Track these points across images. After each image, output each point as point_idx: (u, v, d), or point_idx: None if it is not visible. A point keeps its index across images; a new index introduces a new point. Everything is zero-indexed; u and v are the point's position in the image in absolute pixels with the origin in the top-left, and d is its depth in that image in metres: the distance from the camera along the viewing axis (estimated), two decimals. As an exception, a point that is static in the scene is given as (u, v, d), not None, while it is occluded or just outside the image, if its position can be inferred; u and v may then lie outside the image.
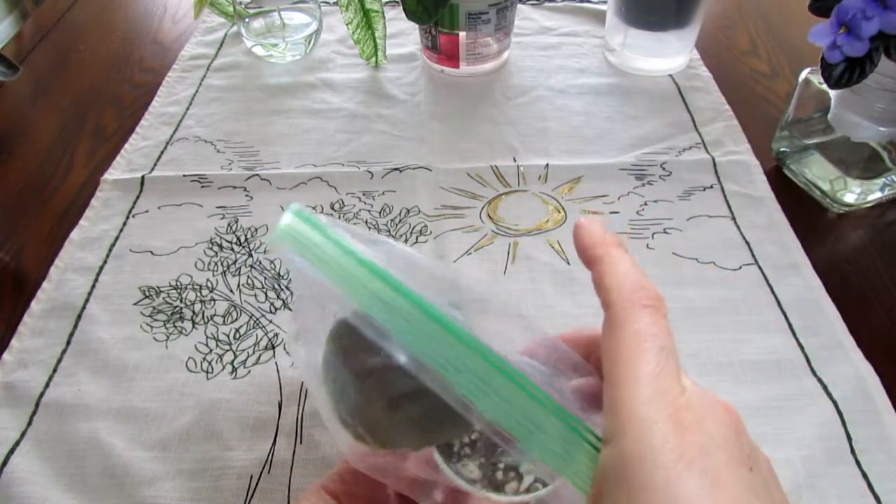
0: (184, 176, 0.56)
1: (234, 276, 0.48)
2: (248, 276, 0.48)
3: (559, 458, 0.23)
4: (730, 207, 0.52)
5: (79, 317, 0.45)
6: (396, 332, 0.23)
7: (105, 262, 0.49)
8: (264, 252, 0.50)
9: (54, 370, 0.42)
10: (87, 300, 0.46)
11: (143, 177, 0.55)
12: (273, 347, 0.43)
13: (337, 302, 0.25)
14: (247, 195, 0.54)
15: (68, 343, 0.44)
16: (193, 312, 0.46)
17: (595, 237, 0.25)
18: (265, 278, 0.48)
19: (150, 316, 0.45)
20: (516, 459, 0.24)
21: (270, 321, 0.45)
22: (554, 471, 0.23)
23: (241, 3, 0.70)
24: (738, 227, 0.51)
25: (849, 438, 0.38)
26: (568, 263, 0.48)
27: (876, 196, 0.52)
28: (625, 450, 0.21)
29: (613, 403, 0.21)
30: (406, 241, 0.50)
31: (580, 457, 0.23)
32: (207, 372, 0.42)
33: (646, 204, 0.53)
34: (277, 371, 0.42)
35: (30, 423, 0.40)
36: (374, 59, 0.67)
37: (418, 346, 0.23)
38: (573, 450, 0.23)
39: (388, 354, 0.23)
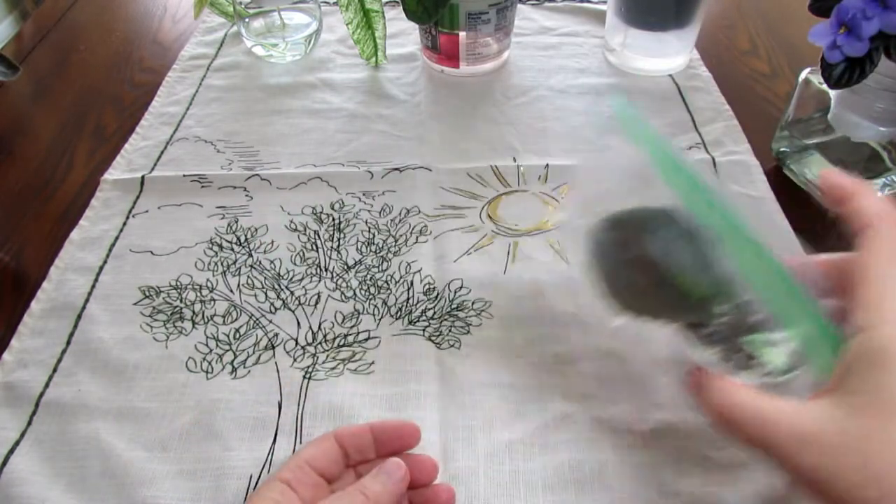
0: (184, 176, 0.56)
1: (234, 276, 0.48)
2: (248, 276, 0.48)
3: (810, 343, 0.28)
4: (730, 207, 0.52)
5: (79, 317, 0.45)
6: (701, 217, 0.30)
7: (105, 262, 0.49)
8: (264, 252, 0.50)
9: (54, 370, 0.42)
10: (87, 300, 0.46)
11: (143, 177, 0.55)
12: (273, 347, 0.43)
13: (634, 187, 0.32)
14: (247, 195, 0.54)
15: (68, 343, 0.44)
16: (193, 312, 0.46)
17: (845, 178, 0.30)
18: (265, 278, 0.48)
19: (150, 316, 0.45)
20: (755, 349, 0.29)
21: (270, 321, 0.45)
22: (801, 355, 0.28)
23: (241, 3, 0.70)
24: (738, 227, 0.50)
25: (849, 438, 0.38)
26: (568, 263, 0.48)
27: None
28: (884, 336, 0.25)
29: (870, 300, 0.26)
30: (406, 241, 0.50)
31: (825, 346, 0.27)
32: (207, 372, 0.42)
33: (646, 204, 0.52)
34: (277, 371, 0.42)
35: (30, 423, 0.40)
36: (374, 59, 0.67)
37: (714, 228, 0.29)
38: (820, 340, 0.28)
39: (662, 243, 0.30)
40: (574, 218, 0.34)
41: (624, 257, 0.31)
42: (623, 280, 0.32)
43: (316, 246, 0.50)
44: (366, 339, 0.44)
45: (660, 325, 0.32)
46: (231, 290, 0.47)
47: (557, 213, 0.42)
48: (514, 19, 0.66)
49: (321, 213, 0.52)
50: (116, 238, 0.51)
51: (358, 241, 0.50)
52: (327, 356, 0.43)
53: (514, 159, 0.57)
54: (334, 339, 0.44)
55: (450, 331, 0.44)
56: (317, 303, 0.46)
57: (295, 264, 0.49)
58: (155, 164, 0.57)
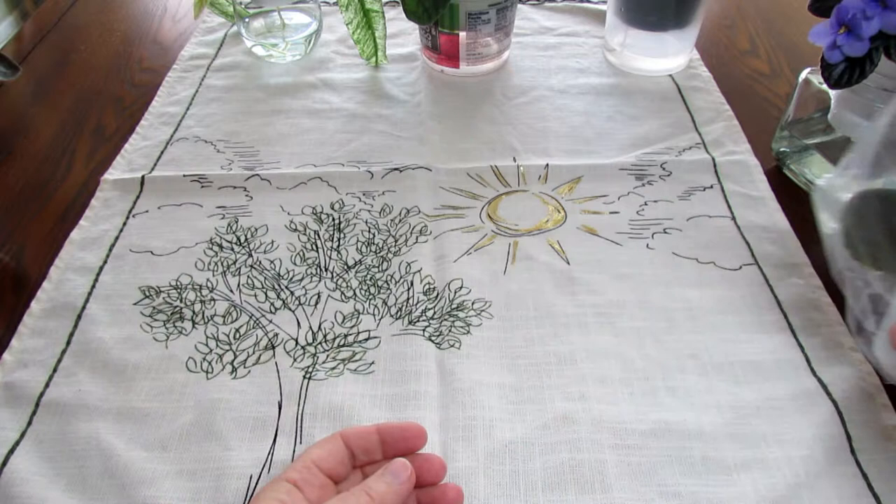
0: (184, 176, 0.56)
1: (234, 276, 0.48)
2: (248, 276, 0.48)
3: None
4: (730, 207, 0.52)
5: (79, 317, 0.45)
6: None
7: (105, 262, 0.49)
8: (264, 252, 0.50)
9: (54, 370, 0.42)
10: (87, 300, 0.46)
11: (143, 177, 0.55)
12: (273, 347, 0.43)
13: None
14: (247, 195, 0.54)
15: (68, 343, 0.44)
16: (193, 312, 0.46)
17: None
18: (265, 278, 0.48)
19: (150, 316, 0.45)
20: None
21: (270, 321, 0.45)
22: None
23: (241, 3, 0.70)
24: (738, 227, 0.51)
25: (849, 438, 0.38)
26: (568, 263, 0.48)
27: (876, 196, 0.52)
28: None
29: None
30: (406, 241, 0.50)
31: None
32: (207, 372, 0.42)
33: (646, 204, 0.53)
34: (277, 371, 0.42)
35: (30, 423, 0.40)
36: (374, 59, 0.67)
37: None
38: None
39: None
40: (840, 185, 0.42)
41: (875, 221, 0.40)
42: (868, 237, 0.40)
43: (316, 246, 0.50)
44: (366, 339, 0.44)
45: (887, 278, 0.39)
46: (231, 290, 0.47)
47: (825, 179, 0.47)
48: (514, 19, 0.66)
49: (321, 213, 0.52)
50: (116, 238, 0.51)
51: (358, 241, 0.50)
52: (327, 356, 0.43)
53: (514, 159, 0.57)
54: (334, 339, 0.44)
55: (450, 331, 0.44)
56: (317, 303, 0.46)
57: (295, 264, 0.49)
58: (155, 164, 0.57)
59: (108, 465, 0.38)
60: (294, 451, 0.38)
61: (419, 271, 0.48)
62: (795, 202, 0.53)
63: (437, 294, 0.46)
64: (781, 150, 0.56)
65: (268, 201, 0.54)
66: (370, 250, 0.49)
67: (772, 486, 0.36)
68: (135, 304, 0.46)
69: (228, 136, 0.60)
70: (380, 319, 0.45)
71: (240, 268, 0.48)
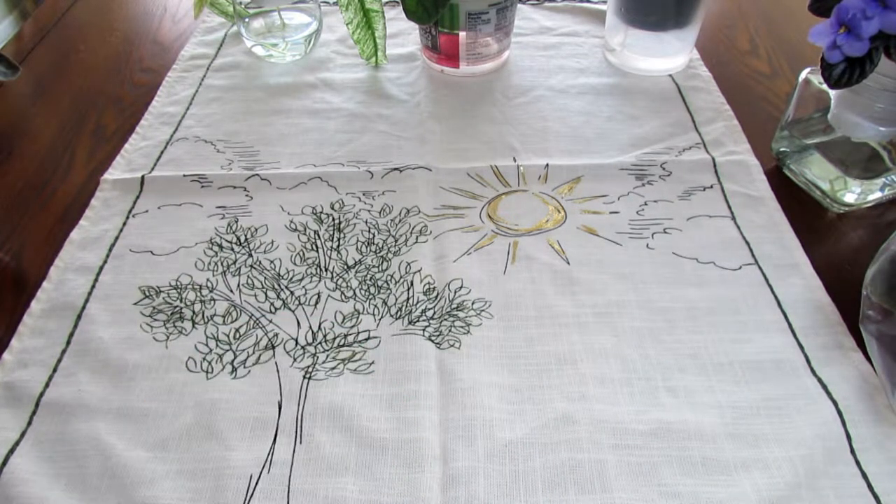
0: (184, 176, 0.56)
1: (234, 276, 0.48)
2: (248, 276, 0.48)
3: None
4: (730, 207, 0.52)
5: (79, 317, 0.45)
6: None
7: (105, 262, 0.49)
8: (264, 252, 0.50)
9: (54, 370, 0.42)
10: (87, 300, 0.46)
11: (143, 177, 0.55)
12: (273, 347, 0.43)
13: None
14: (247, 195, 0.54)
15: (68, 343, 0.44)
16: (193, 312, 0.46)
17: None
18: (265, 278, 0.48)
19: (150, 316, 0.45)
20: None
21: (270, 321, 0.45)
22: None
23: (241, 3, 0.70)
24: (738, 227, 0.51)
25: (849, 438, 0.38)
26: (568, 263, 0.48)
27: (876, 196, 0.52)
28: None
29: None
30: (406, 241, 0.50)
31: None
32: (207, 372, 0.42)
33: (646, 204, 0.53)
34: (277, 371, 0.42)
35: (30, 423, 0.40)
36: (374, 59, 0.67)
37: None
38: None
39: None
40: None
41: None
42: None
43: (316, 246, 0.50)
44: (366, 339, 0.44)
45: None
46: (231, 290, 0.47)
47: None
48: (514, 19, 0.66)
49: (321, 213, 0.52)
50: (116, 238, 0.51)
51: (358, 241, 0.50)
52: (327, 356, 0.43)
53: (514, 159, 0.57)
54: (334, 339, 0.44)
55: (450, 331, 0.44)
56: (317, 303, 0.46)
57: (295, 264, 0.49)
58: (155, 164, 0.57)
59: (107, 465, 0.38)
60: (294, 451, 0.38)
61: (419, 271, 0.48)
62: (795, 202, 0.53)
63: (437, 294, 0.46)
64: (781, 150, 0.56)
65: (268, 201, 0.54)
66: (370, 250, 0.49)
67: (772, 486, 0.36)
68: (135, 304, 0.46)
69: (228, 136, 0.60)
70: (380, 319, 0.45)
71: (240, 268, 0.48)
